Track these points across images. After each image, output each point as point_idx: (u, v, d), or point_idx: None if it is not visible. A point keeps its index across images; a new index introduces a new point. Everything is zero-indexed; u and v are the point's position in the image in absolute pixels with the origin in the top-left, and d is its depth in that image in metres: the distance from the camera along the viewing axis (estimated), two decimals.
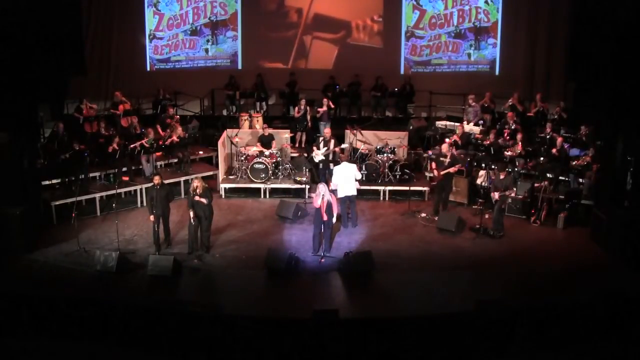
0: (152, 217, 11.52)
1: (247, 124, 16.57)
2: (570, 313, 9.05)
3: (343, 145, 15.13)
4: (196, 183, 11.38)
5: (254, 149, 14.91)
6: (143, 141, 14.19)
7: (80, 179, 13.46)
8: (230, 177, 14.95)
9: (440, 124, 16.98)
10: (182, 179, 14.63)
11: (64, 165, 13.38)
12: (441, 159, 13.23)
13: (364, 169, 14.46)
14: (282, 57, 19.73)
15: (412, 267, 11.28)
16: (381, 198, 14.49)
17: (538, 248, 12.02)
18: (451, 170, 13.17)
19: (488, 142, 14.96)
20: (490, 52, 19.45)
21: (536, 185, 13.47)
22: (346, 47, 19.74)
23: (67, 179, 13.51)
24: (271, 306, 9.96)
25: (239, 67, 19.89)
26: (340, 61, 19.67)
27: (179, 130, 15.24)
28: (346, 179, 12.43)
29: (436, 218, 13.05)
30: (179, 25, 19.55)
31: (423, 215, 13.46)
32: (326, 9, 19.59)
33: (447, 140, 15.20)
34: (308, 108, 16.79)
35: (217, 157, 15.44)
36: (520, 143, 14.52)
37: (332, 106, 16.63)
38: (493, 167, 13.82)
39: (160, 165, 15.21)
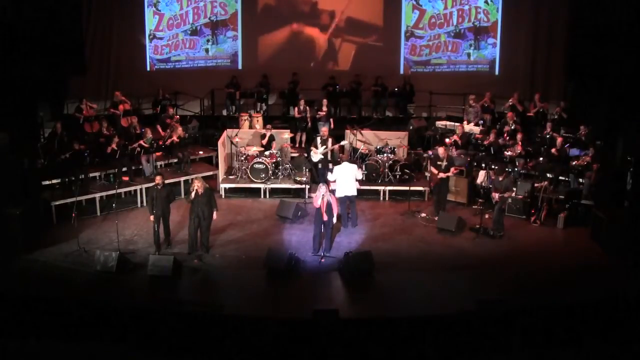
0: (152, 217, 11.52)
1: (247, 124, 16.57)
2: (570, 313, 9.05)
3: (342, 142, 15.09)
4: (197, 183, 11.38)
5: (254, 149, 14.90)
6: (142, 141, 14.19)
7: (80, 179, 13.46)
8: (230, 177, 14.95)
9: (440, 124, 16.98)
10: (182, 179, 14.63)
11: (64, 165, 13.38)
12: (438, 162, 13.20)
13: (364, 169, 14.46)
14: (282, 57, 19.73)
15: (412, 267, 11.27)
16: (381, 198, 14.49)
17: (538, 248, 12.02)
18: (448, 174, 13.17)
19: (488, 142, 14.96)
20: (490, 52, 19.46)
21: (536, 185, 13.47)
22: (347, 47, 19.75)
23: (67, 179, 13.50)
24: (271, 306, 9.96)
25: (239, 67, 19.90)
26: (341, 61, 19.66)
27: (179, 130, 15.24)
28: (346, 179, 12.43)
29: (436, 218, 13.05)
30: (179, 25, 19.56)
31: (423, 215, 13.46)
32: (327, 10, 19.59)
33: (446, 140, 15.24)
34: (308, 108, 16.80)
35: (217, 157, 15.44)
36: (520, 143, 14.53)
37: (325, 111, 16.64)
38: (493, 167, 13.82)
39: (160, 165, 15.20)
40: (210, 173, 15.20)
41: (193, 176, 14.15)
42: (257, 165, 14.45)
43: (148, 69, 19.63)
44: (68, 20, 16.65)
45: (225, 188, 14.63)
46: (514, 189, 13.13)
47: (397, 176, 14.50)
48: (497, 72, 19.48)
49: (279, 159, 14.85)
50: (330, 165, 14.11)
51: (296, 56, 19.78)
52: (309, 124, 16.80)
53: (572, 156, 14.09)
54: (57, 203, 12.91)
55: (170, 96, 18.21)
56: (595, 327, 8.87)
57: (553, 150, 14.11)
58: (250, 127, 16.57)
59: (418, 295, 10.23)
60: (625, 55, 12.28)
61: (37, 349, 8.56)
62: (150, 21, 19.39)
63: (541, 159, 14.21)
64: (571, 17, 17.53)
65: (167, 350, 8.61)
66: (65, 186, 13.49)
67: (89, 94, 17.31)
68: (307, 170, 14.86)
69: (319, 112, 16.69)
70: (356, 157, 15.06)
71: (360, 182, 13.12)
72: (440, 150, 13.39)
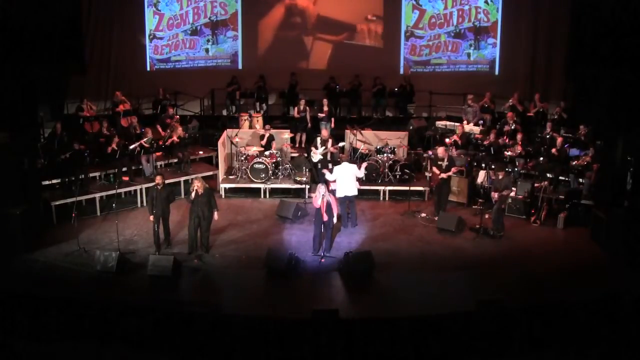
0: (151, 217, 11.52)
1: (247, 124, 16.58)
2: (570, 313, 9.05)
3: (341, 144, 15.10)
4: (197, 183, 11.38)
5: (254, 149, 14.91)
6: (142, 141, 14.19)
7: (80, 179, 13.46)
8: (230, 177, 14.95)
9: (440, 124, 16.99)
10: (182, 179, 14.63)
11: (64, 165, 13.38)
12: (439, 162, 13.19)
13: (363, 170, 14.43)
14: (282, 58, 19.75)
15: (412, 267, 11.27)
16: (381, 198, 14.49)
17: (538, 248, 12.01)
18: (449, 173, 13.15)
19: (488, 142, 14.97)
20: (490, 52, 19.46)
21: (536, 185, 13.47)
22: (347, 48, 19.76)
23: (67, 179, 13.50)
24: (271, 306, 9.95)
25: (239, 67, 19.91)
26: (341, 61, 19.66)
27: (179, 130, 15.24)
28: (346, 179, 12.42)
29: (436, 218, 13.05)
30: (179, 25, 19.56)
31: (423, 215, 13.46)
32: (326, 10, 19.63)
33: (446, 140, 15.24)
34: (308, 108, 16.80)
35: (217, 157, 15.44)
36: (520, 143, 14.53)
37: (326, 111, 16.66)
38: (493, 167, 13.83)
39: (160, 165, 15.20)
40: (210, 173, 15.20)
41: (193, 176, 14.16)
42: (257, 165, 14.45)
43: (148, 69, 19.64)
44: (68, 21, 16.64)
45: (225, 188, 14.63)
46: (513, 188, 13.12)
47: (397, 176, 14.50)
48: (497, 72, 19.49)
49: (279, 159, 14.85)
50: (330, 166, 14.10)
51: (296, 56, 19.81)
52: (309, 124, 16.80)
53: (572, 156, 14.09)
54: (57, 203, 12.90)
55: (170, 96, 18.22)
56: (595, 327, 8.88)
57: (553, 150, 14.11)
58: (250, 127, 16.57)
59: (418, 295, 10.22)
60: (626, 55, 12.27)
61: (37, 349, 8.57)
62: (150, 21, 19.40)
63: (541, 159, 14.21)
64: (571, 17, 17.52)
65: (167, 350, 8.61)
66: (65, 186, 13.48)
67: (89, 94, 17.32)
68: (307, 170, 14.86)
69: (319, 114, 16.68)
70: (356, 157, 15.05)
71: (360, 182, 13.10)
72: (440, 150, 13.38)
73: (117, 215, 12.53)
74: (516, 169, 14.12)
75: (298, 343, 8.51)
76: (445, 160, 13.10)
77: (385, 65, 19.51)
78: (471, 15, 19.30)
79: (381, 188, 14.48)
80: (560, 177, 14.05)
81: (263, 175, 14.45)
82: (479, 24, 19.31)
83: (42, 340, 8.74)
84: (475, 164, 14.58)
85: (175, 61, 19.75)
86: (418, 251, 11.87)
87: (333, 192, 12.09)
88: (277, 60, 19.62)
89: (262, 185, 14.50)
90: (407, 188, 14.14)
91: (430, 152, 15.25)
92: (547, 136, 14.86)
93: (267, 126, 15.60)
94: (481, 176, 14.19)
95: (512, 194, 13.06)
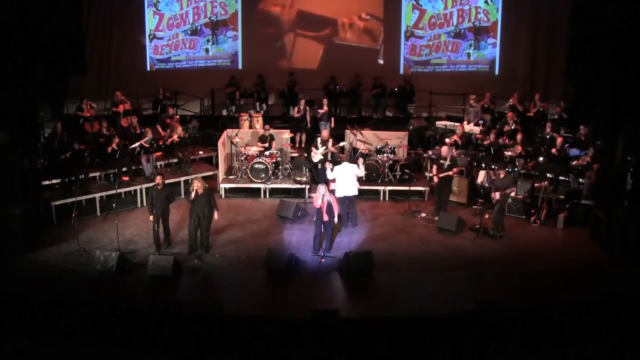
0: (151, 217, 11.52)
1: (247, 124, 16.58)
2: (570, 313, 9.06)
3: (341, 143, 15.11)
4: (196, 183, 11.38)
5: (254, 149, 14.91)
6: (142, 141, 14.19)
7: (80, 179, 13.46)
8: (230, 177, 14.95)
9: (440, 124, 16.99)
10: (182, 179, 14.63)
11: (64, 165, 13.38)
12: (441, 161, 13.19)
13: (364, 169, 14.43)
14: (282, 57, 19.75)
15: (412, 267, 11.27)
16: (381, 198, 14.49)
17: (538, 248, 12.02)
18: (450, 173, 13.15)
19: (488, 142, 14.97)
20: (490, 52, 19.46)
21: (536, 185, 13.47)
22: (346, 48, 19.76)
23: (67, 179, 13.50)
24: (271, 306, 9.96)
25: (239, 67, 19.91)
26: (340, 61, 19.65)
27: (179, 130, 15.25)
28: (346, 179, 12.42)
29: (436, 218, 13.05)
30: (179, 25, 19.57)
31: (423, 215, 13.46)
32: (324, 10, 19.64)
33: (447, 140, 15.23)
34: (308, 108, 16.80)
35: (217, 157, 15.44)
36: (520, 143, 14.53)
37: (325, 110, 16.65)
38: (493, 167, 13.83)
39: (160, 165, 15.20)
40: (210, 173, 15.20)
41: (193, 176, 14.15)
42: (257, 165, 14.45)
43: (148, 69, 19.64)
44: (68, 21, 16.63)
45: (225, 188, 14.63)
46: (515, 187, 13.12)
47: (397, 176, 14.50)
48: (497, 72, 19.49)
49: (279, 159, 14.85)
50: (330, 166, 14.08)
51: (295, 56, 19.83)
52: (309, 124, 16.80)
53: (572, 156, 14.09)
54: (57, 203, 12.90)
55: (171, 95, 18.22)
56: (595, 327, 8.88)
57: (553, 150, 14.11)
58: (250, 127, 16.57)
59: (418, 295, 10.22)
60: (626, 55, 12.27)
61: (37, 349, 8.57)
62: (150, 21, 19.40)
63: (541, 159, 14.21)
64: (571, 16, 17.52)
65: (167, 350, 8.61)
66: (65, 186, 13.48)
67: (89, 94, 17.30)
68: (307, 170, 14.86)
69: (319, 111, 16.68)
70: (356, 157, 15.03)
71: (360, 182, 13.10)
72: (444, 150, 13.38)
73: (117, 215, 12.54)
74: (516, 169, 14.12)
75: (298, 343, 8.51)
76: (448, 160, 13.10)
77: (385, 65, 19.49)
78: (471, 15, 19.30)
79: (381, 188, 14.48)
80: (560, 177, 14.05)
81: (263, 175, 14.46)
82: (479, 24, 19.31)
83: (42, 340, 8.74)
84: (475, 164, 14.59)
85: (175, 61, 19.75)
86: (418, 251, 11.87)
87: (333, 192, 12.09)
88: (276, 60, 19.62)
89: (262, 185, 14.50)
90: (407, 188, 14.14)
91: (430, 152, 15.24)
92: (547, 136, 14.86)
93: (266, 126, 15.60)
94: (481, 176, 14.19)
95: (513, 193, 13.07)
